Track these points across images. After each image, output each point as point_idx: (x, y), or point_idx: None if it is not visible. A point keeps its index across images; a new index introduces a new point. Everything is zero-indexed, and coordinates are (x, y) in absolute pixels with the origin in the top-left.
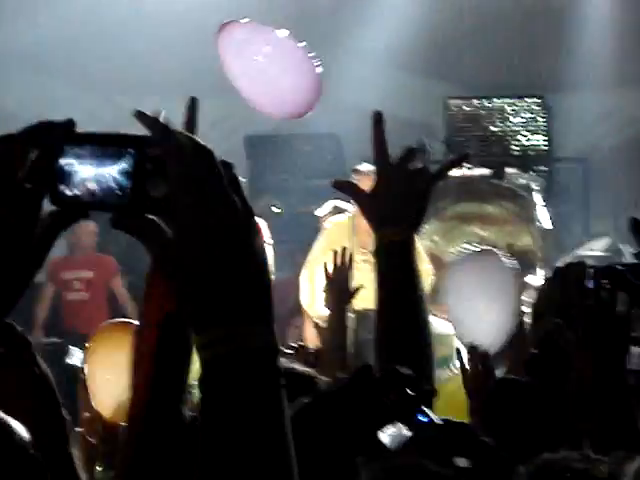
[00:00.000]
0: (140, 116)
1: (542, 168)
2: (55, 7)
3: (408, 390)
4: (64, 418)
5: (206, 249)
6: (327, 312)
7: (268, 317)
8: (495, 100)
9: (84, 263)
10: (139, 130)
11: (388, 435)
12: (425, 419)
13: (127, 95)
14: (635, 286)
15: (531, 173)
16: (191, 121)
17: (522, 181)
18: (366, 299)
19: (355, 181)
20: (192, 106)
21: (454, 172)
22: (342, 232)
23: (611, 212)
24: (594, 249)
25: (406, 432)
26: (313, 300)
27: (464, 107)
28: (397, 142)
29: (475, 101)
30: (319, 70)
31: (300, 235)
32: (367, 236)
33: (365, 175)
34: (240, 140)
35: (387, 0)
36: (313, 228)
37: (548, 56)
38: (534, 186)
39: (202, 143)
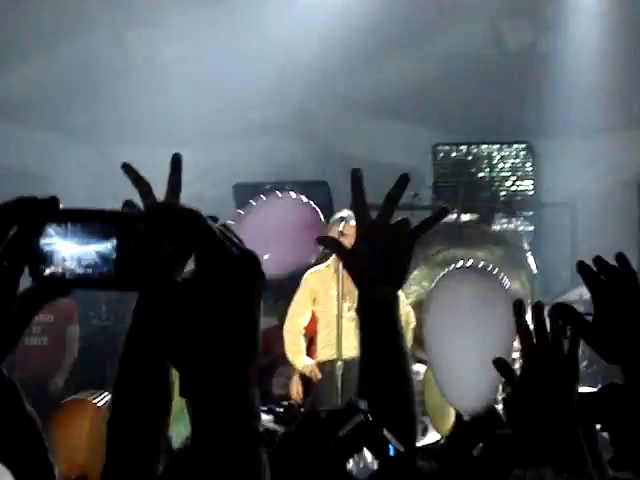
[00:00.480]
0: (126, 169)
1: (529, 213)
2: (42, 57)
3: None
4: (51, 463)
5: (210, 314)
6: (311, 362)
7: (252, 379)
8: (482, 146)
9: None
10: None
11: (353, 465)
12: (392, 451)
13: (113, 144)
14: (587, 324)
15: (519, 218)
16: (176, 176)
17: (510, 226)
18: (354, 348)
19: (340, 228)
20: (176, 162)
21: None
22: (322, 281)
23: (603, 253)
24: (583, 294)
25: (370, 462)
26: (297, 351)
27: (452, 153)
28: (388, 188)
29: (462, 147)
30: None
31: (286, 282)
32: (350, 284)
33: (344, 222)
34: (229, 188)
35: (376, 49)
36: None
37: (534, 102)
38: (522, 231)
39: (189, 208)
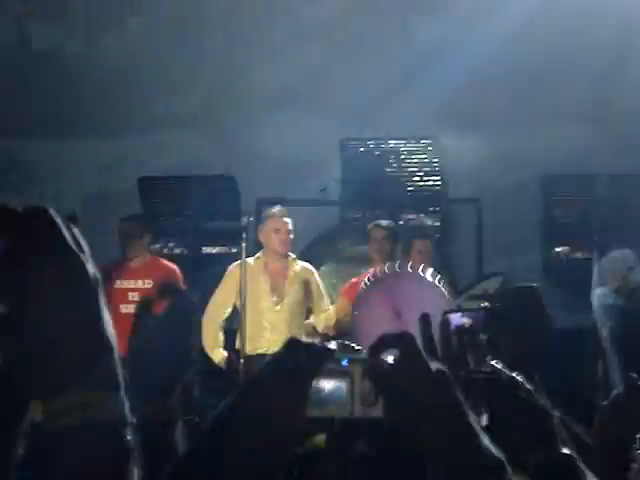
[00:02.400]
0: None
1: (436, 209)
2: None
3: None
4: None
5: (50, 313)
6: (226, 355)
7: (117, 382)
8: (390, 142)
9: None
10: None
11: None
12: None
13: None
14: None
15: (426, 214)
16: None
17: (417, 222)
18: (258, 343)
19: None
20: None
21: (352, 214)
22: (250, 273)
23: (504, 252)
24: (488, 289)
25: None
26: (215, 344)
27: (360, 148)
28: (295, 182)
29: (370, 142)
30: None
31: (199, 277)
32: (279, 279)
33: (276, 217)
34: (134, 182)
35: (277, 40)
36: (213, 270)
37: (441, 97)
38: (429, 227)
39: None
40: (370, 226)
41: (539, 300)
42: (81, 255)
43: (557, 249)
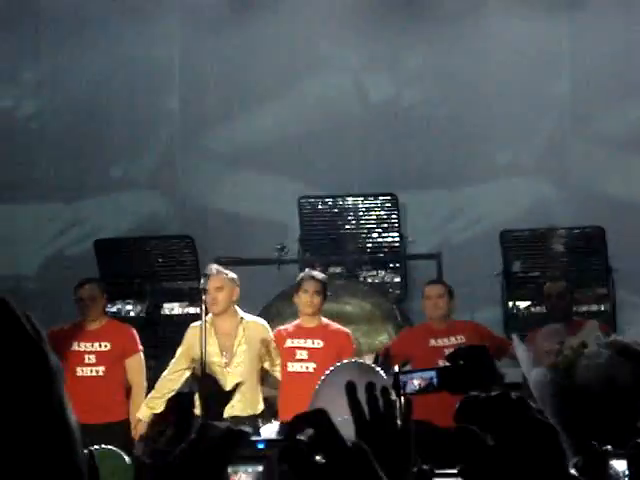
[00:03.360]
0: None
1: (396, 265)
2: None
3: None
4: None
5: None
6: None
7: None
8: (348, 198)
9: None
10: None
11: None
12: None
13: None
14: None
15: (386, 270)
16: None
17: (377, 279)
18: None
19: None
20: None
21: (313, 273)
22: (199, 334)
23: (467, 307)
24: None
25: None
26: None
27: (318, 206)
28: (257, 241)
29: (328, 200)
30: None
31: (157, 338)
32: (227, 339)
33: (214, 276)
34: (91, 245)
35: (236, 99)
36: (170, 330)
37: (398, 154)
38: (389, 283)
39: None
40: (302, 276)
41: (490, 358)
42: (42, 345)
43: (518, 303)
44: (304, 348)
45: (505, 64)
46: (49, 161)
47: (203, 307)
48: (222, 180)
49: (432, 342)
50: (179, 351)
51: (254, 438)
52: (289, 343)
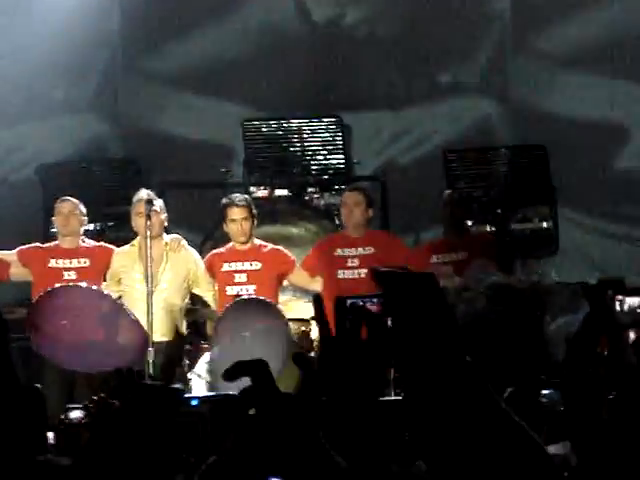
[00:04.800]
0: None
1: (341, 187)
2: None
3: None
4: None
5: None
6: None
7: None
8: (292, 121)
9: None
10: None
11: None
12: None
13: None
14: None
15: (331, 193)
16: None
17: (322, 201)
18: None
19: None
20: None
21: (257, 193)
22: (126, 261)
23: (410, 229)
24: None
25: None
26: None
27: (262, 128)
28: (200, 164)
29: (272, 122)
30: None
31: None
32: (153, 265)
33: (140, 201)
34: (32, 169)
35: (180, 21)
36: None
37: (342, 75)
38: (334, 206)
39: None
40: (225, 203)
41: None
42: None
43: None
44: (242, 271)
45: None
46: None
47: (146, 231)
48: (165, 103)
49: (338, 252)
50: (107, 275)
51: (187, 395)
52: (226, 267)
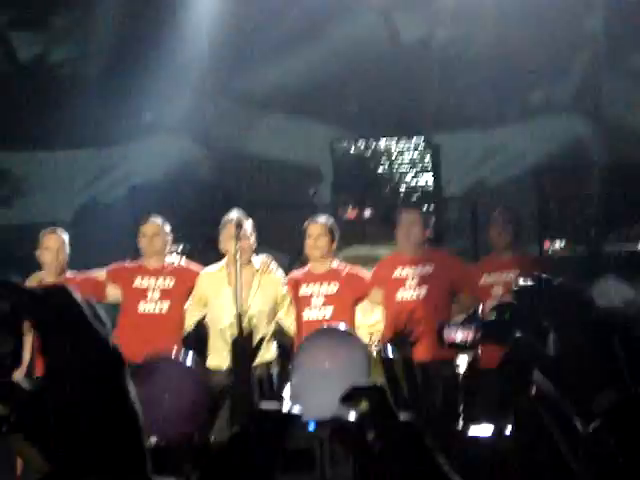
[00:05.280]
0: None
1: (430, 207)
2: None
3: None
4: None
5: (80, 392)
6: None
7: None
8: (381, 141)
9: None
10: None
11: None
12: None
13: None
14: None
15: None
16: None
17: None
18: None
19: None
20: None
21: (345, 215)
22: (215, 282)
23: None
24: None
25: None
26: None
27: (350, 149)
28: (288, 186)
29: (360, 142)
30: None
31: None
32: (245, 289)
33: (231, 224)
34: (125, 191)
35: (270, 43)
36: None
37: (432, 96)
38: None
39: (58, 289)
40: (306, 222)
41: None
42: (102, 330)
43: (552, 245)
44: (319, 294)
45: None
46: (80, 107)
47: (236, 254)
48: (254, 125)
49: (397, 272)
50: (193, 297)
51: (305, 419)
52: (303, 290)
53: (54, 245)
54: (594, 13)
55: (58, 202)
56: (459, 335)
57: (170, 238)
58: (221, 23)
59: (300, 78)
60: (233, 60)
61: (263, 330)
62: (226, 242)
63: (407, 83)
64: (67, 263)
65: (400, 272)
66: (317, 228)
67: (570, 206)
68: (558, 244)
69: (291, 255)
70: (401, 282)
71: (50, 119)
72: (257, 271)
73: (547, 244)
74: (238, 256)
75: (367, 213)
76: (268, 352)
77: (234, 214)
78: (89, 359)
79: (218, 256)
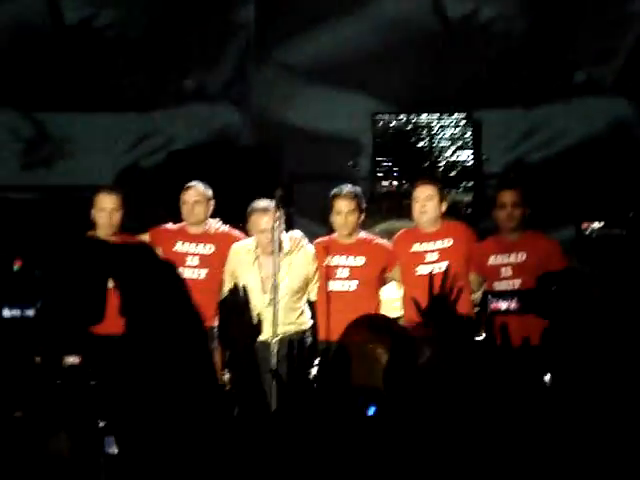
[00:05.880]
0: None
1: (470, 184)
2: None
3: None
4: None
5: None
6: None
7: None
8: (422, 115)
9: None
10: None
11: None
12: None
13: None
14: None
15: (458, 189)
16: None
17: (449, 197)
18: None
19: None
20: None
21: (343, 190)
22: (245, 260)
23: (541, 227)
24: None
25: None
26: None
27: (391, 123)
28: (329, 157)
29: (402, 116)
30: None
31: None
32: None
33: (258, 213)
34: (165, 156)
35: (315, 13)
36: None
37: (476, 71)
38: (461, 202)
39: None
40: (333, 193)
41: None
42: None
43: (591, 225)
44: (345, 266)
45: None
46: (124, 71)
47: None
48: (296, 94)
49: (415, 247)
50: (225, 271)
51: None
52: (329, 259)
53: (109, 206)
54: None
55: (99, 165)
56: (503, 304)
57: (212, 204)
58: None
59: (344, 49)
60: (277, 29)
61: (294, 304)
62: (252, 230)
63: (451, 59)
64: (120, 225)
65: (418, 247)
66: (346, 204)
67: (608, 187)
68: (597, 224)
69: (330, 227)
70: (420, 257)
71: (94, 82)
72: (287, 253)
73: (585, 225)
74: (275, 247)
75: (405, 187)
76: (306, 321)
77: (263, 203)
78: (173, 320)
79: None
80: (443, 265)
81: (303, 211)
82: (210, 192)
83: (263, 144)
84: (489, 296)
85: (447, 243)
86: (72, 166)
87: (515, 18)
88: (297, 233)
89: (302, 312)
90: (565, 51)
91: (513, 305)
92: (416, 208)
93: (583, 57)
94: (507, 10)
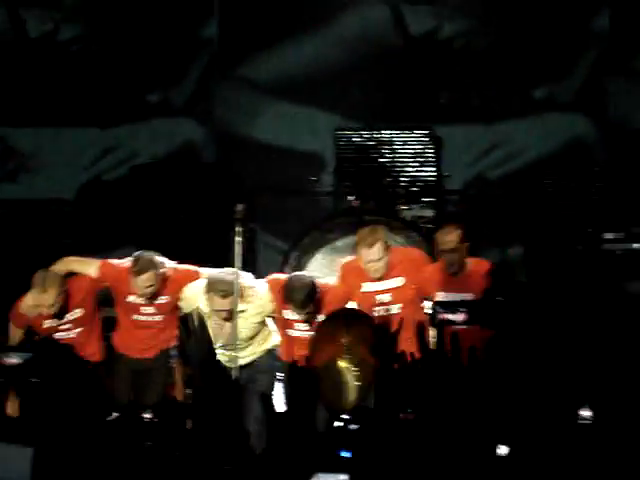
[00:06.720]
0: None
1: (431, 199)
2: None
3: None
4: None
5: None
6: None
7: None
8: (384, 132)
9: None
10: None
11: None
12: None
13: None
14: None
15: (420, 205)
16: None
17: (410, 213)
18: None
19: None
20: None
21: (344, 203)
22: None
23: (500, 243)
24: None
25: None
26: None
27: (353, 138)
28: (291, 173)
29: (364, 132)
30: None
31: None
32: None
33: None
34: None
35: (275, 33)
36: None
37: (436, 88)
38: (422, 218)
39: None
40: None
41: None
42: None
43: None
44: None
45: None
46: (86, 86)
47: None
48: (259, 111)
49: (366, 287)
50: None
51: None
52: (365, 288)
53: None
54: (600, 11)
55: (62, 179)
56: (450, 315)
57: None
58: (231, 7)
59: (307, 66)
60: (241, 45)
61: (255, 330)
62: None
63: (413, 75)
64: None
65: (369, 287)
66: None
67: (568, 203)
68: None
69: (292, 241)
70: (371, 298)
71: (57, 97)
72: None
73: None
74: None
75: (367, 203)
76: (270, 341)
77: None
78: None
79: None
80: (395, 308)
81: (266, 227)
82: (163, 264)
83: (226, 159)
84: (437, 307)
85: (399, 282)
86: (36, 180)
87: (476, 35)
88: (249, 279)
89: (268, 332)
90: (525, 68)
91: (461, 317)
92: (368, 267)
93: (543, 74)
94: (468, 27)
